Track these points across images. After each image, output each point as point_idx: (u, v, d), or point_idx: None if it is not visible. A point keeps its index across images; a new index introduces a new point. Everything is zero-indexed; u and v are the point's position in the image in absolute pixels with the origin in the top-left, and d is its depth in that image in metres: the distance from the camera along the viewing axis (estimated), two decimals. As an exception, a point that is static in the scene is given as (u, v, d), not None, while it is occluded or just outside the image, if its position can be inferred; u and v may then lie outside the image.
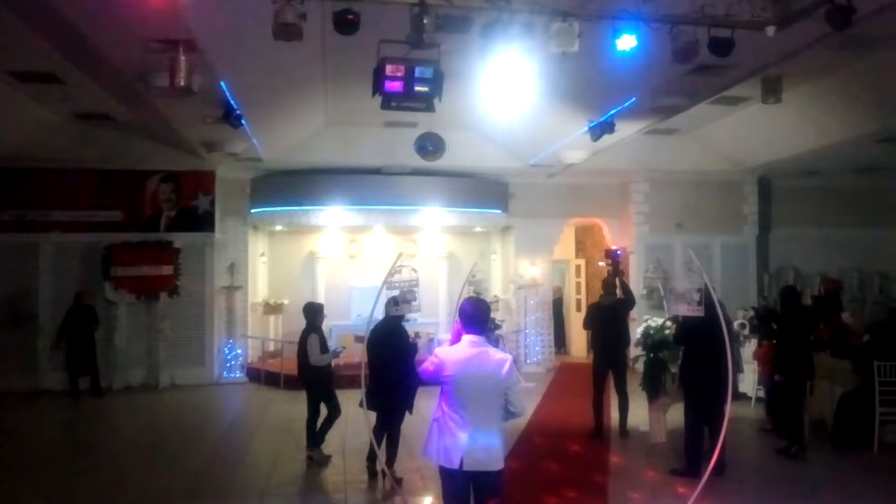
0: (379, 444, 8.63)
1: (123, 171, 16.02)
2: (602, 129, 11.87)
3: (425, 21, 6.66)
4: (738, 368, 11.38)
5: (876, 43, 9.67)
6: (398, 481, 8.50)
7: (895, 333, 10.66)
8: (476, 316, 5.01)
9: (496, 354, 4.97)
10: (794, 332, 9.83)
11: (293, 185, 16.67)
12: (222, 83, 9.91)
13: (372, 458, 8.80)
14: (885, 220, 18.67)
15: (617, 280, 11.31)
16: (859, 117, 12.52)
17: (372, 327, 8.88)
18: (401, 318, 8.86)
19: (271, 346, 17.74)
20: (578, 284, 20.97)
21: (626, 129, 12.65)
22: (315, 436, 9.56)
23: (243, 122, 11.45)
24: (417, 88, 7.02)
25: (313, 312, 9.66)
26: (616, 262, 11.72)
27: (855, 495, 8.16)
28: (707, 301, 8.21)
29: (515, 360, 5.11)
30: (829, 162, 15.92)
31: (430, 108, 7.25)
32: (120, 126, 14.36)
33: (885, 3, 7.39)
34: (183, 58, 7.30)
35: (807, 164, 16.30)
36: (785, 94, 11.16)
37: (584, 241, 21.24)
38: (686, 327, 8.96)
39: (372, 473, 8.80)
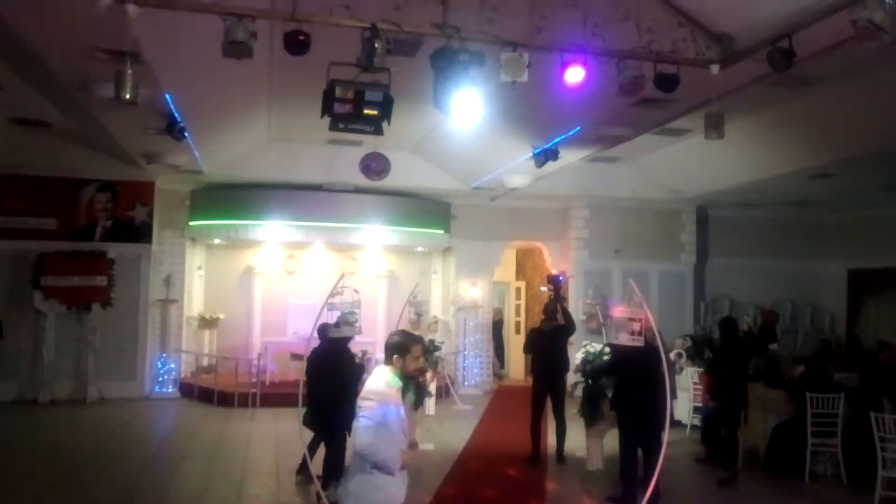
0: (330, 469, 8.56)
1: (59, 178, 15.62)
2: (546, 155, 11.99)
3: (376, 45, 6.64)
4: (672, 395, 11.54)
5: (813, 82, 9.93)
6: None
7: (827, 365, 10.98)
8: (385, 346, 5.05)
9: (368, 385, 4.90)
10: (729, 362, 10.05)
11: (234, 198, 16.47)
12: (167, 96, 9.74)
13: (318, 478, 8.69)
14: (817, 252, 19.24)
15: (558, 305, 11.39)
16: (795, 153, 12.84)
17: (314, 347, 8.84)
18: (346, 339, 8.81)
19: (205, 362, 17.42)
20: (518, 307, 21.08)
21: (570, 157, 12.80)
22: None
23: (186, 134, 11.26)
24: (366, 111, 6.98)
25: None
26: (558, 288, 11.81)
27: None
28: (647, 331, 8.33)
29: (425, 393, 4.89)
30: (765, 195, 16.30)
31: (378, 131, 7.22)
32: (57, 133, 13.97)
33: (822, 48, 7.61)
34: (129, 70, 7.14)
35: (743, 196, 16.68)
36: (724, 127, 11.39)
37: (525, 263, 21.36)
38: (620, 355, 9.09)
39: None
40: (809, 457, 9.90)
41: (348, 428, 8.40)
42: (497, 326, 19.88)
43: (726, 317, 11.85)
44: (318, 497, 8.46)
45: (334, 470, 8.53)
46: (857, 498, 9.05)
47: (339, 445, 8.59)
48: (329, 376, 8.50)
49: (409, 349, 4.87)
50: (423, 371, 4.96)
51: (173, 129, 10.98)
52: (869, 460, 8.92)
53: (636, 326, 8.21)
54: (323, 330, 8.90)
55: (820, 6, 6.75)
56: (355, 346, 9.57)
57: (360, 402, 4.73)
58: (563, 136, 11.65)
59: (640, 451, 8.87)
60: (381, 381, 4.80)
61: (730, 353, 10.18)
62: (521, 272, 21.54)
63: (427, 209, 17.57)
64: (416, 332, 15.88)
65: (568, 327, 11.27)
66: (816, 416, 9.83)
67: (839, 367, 13.10)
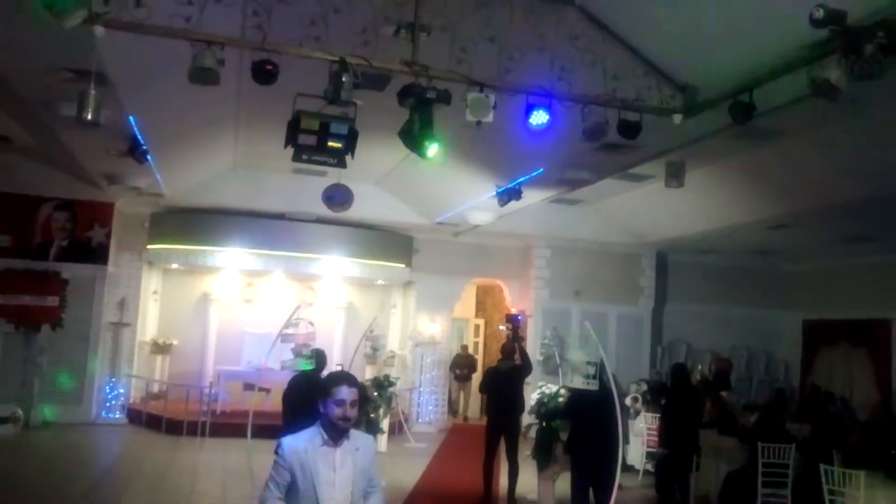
0: None
1: (16, 195, 15.33)
2: (510, 195, 12.06)
3: (344, 79, 6.64)
4: (624, 440, 11.52)
5: (773, 135, 10.12)
6: None
7: (781, 414, 11.05)
8: None
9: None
10: (680, 408, 10.06)
11: (194, 223, 16.32)
12: (131, 118, 9.65)
13: None
14: (774, 301, 19.46)
15: (516, 345, 11.35)
16: (754, 204, 13.05)
17: (290, 379, 8.80)
18: (318, 368, 8.75)
19: (156, 388, 17.11)
20: (476, 344, 21.03)
21: (533, 197, 12.87)
22: None
23: (149, 157, 11.15)
24: (331, 144, 6.95)
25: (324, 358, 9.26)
26: (516, 328, 11.78)
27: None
28: (601, 375, 8.34)
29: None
30: (724, 242, 16.50)
31: (342, 163, 7.20)
32: (18, 149, 13.75)
33: (782, 103, 7.76)
34: (93, 91, 7.05)
35: (702, 243, 16.87)
36: (686, 175, 11.55)
37: (485, 301, 21.37)
38: (576, 399, 9.07)
39: None
40: (760, 506, 9.93)
41: None
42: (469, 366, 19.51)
43: (677, 363, 11.89)
44: None
45: None
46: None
47: None
48: (308, 407, 8.46)
49: (328, 391, 4.07)
50: (346, 419, 4.03)
51: (136, 152, 10.87)
52: (818, 512, 8.95)
53: (591, 370, 8.22)
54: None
55: (779, 63, 6.91)
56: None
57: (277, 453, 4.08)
58: (526, 177, 11.74)
59: (591, 496, 8.83)
60: (308, 431, 4.16)
61: (681, 399, 10.21)
62: (480, 309, 21.54)
63: (389, 242, 17.53)
64: (372, 367, 15.72)
65: (525, 368, 11.22)
66: (768, 465, 9.85)
67: (792, 418, 13.21)
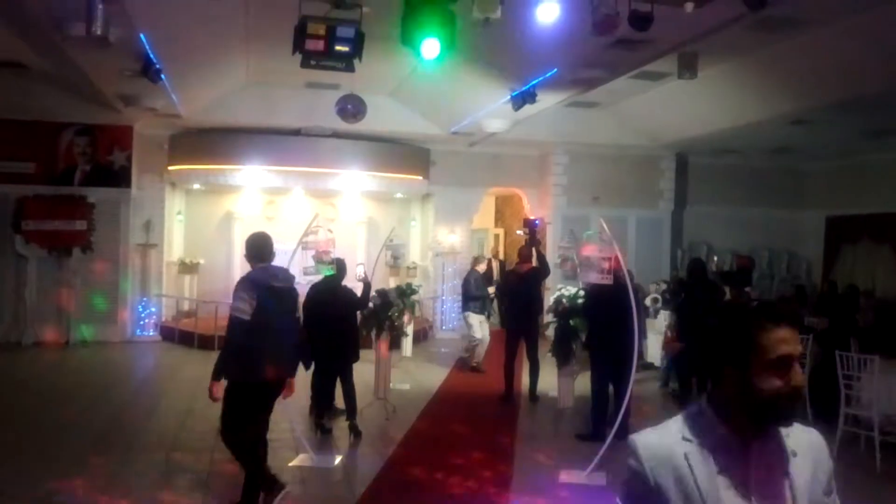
0: (330, 401, 9.10)
1: (37, 122, 15.51)
2: (524, 98, 11.96)
3: (348, -19, 6.64)
4: (642, 335, 11.65)
5: (790, 26, 9.92)
6: (358, 434, 8.90)
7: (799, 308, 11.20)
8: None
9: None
10: (697, 302, 10.19)
11: (212, 143, 16.44)
12: (141, 35, 9.67)
13: (320, 413, 9.10)
14: (796, 200, 19.39)
15: (533, 249, 11.51)
16: (773, 98, 12.86)
17: (309, 289, 9.08)
18: (338, 277, 8.96)
19: (186, 306, 17.52)
20: (496, 254, 21.20)
21: (548, 100, 12.78)
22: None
23: (162, 76, 11.18)
24: (338, 48, 7.00)
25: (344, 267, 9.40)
26: (533, 232, 11.93)
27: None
28: (616, 270, 8.42)
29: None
30: (744, 141, 16.32)
31: (350, 67, 7.25)
32: (34, 75, 13.84)
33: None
34: (100, 6, 7.09)
35: (722, 143, 16.69)
36: (703, 72, 11.39)
37: (504, 210, 21.44)
38: (594, 296, 9.21)
39: (324, 430, 9.03)
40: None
41: (356, 356, 9.04)
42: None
43: (695, 258, 12.00)
44: (321, 428, 9.00)
45: (354, 400, 9.03)
46: (822, 434, 9.22)
47: (351, 375, 9.08)
48: (330, 312, 8.84)
49: (752, 335, 2.03)
50: (796, 396, 2.02)
51: (149, 71, 10.88)
52: (834, 400, 9.07)
53: (605, 265, 8.31)
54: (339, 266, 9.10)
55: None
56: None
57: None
58: (540, 79, 11.63)
59: (611, 391, 9.05)
60: (682, 419, 2.19)
61: (697, 292, 10.32)
62: (499, 219, 21.63)
63: (406, 155, 17.58)
64: (395, 277, 15.72)
65: (542, 270, 11.41)
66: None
67: (811, 313, 13.30)
